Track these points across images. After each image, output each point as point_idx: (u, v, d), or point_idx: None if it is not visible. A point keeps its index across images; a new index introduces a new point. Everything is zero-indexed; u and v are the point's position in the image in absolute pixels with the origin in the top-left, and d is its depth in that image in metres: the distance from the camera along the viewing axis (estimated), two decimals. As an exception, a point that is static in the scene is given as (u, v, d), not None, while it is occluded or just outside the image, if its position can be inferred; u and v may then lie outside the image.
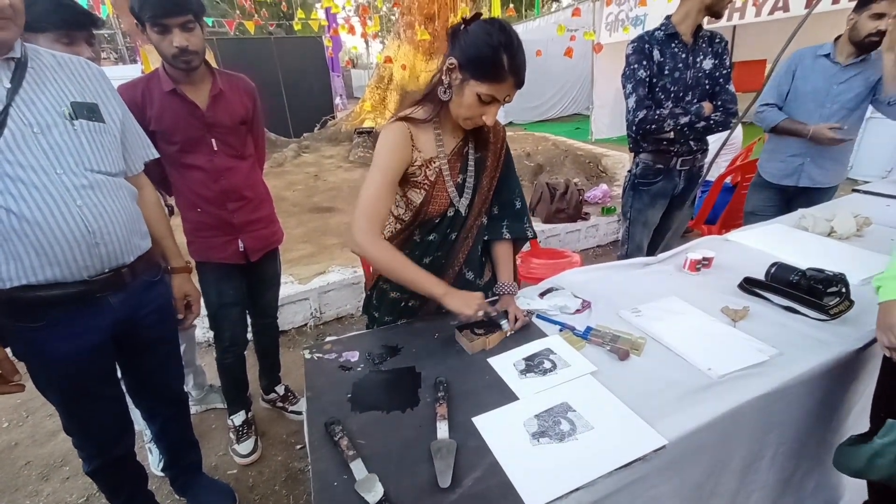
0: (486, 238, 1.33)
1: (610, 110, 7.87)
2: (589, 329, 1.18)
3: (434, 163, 1.17)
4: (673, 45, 1.91)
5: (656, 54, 1.90)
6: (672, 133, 1.94)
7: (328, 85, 9.52)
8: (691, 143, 2.02)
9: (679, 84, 1.92)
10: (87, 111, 1.07)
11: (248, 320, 1.91)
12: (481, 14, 1.05)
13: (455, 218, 1.24)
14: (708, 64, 1.93)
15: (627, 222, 2.23)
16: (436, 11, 7.84)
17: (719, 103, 1.94)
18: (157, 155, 1.33)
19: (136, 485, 1.45)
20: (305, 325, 2.87)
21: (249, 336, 1.94)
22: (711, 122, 1.92)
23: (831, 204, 2.12)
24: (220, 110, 1.51)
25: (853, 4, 2.01)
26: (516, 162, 1.39)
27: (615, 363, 1.07)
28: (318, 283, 2.86)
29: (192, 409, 2.04)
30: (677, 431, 0.85)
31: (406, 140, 1.12)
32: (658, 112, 1.91)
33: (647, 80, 1.92)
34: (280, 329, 2.21)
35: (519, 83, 1.05)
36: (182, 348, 1.69)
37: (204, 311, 1.69)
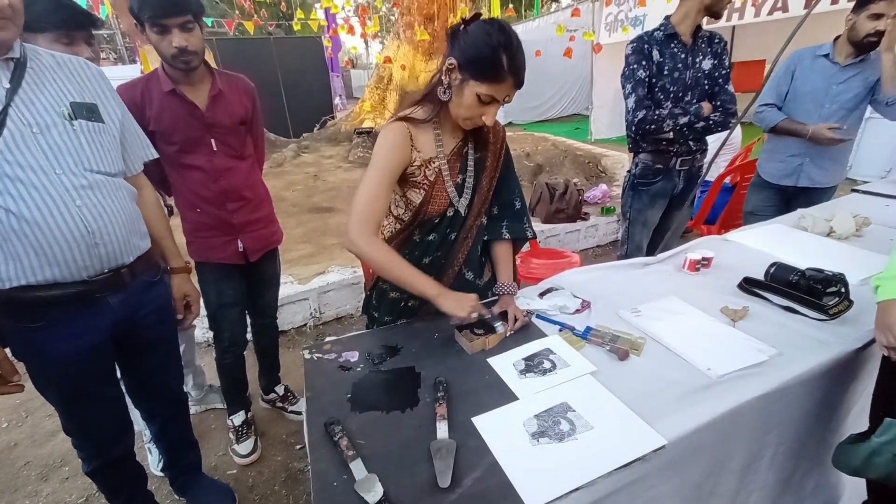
0: (485, 238, 1.33)
1: (609, 110, 7.87)
2: (588, 329, 1.19)
3: (433, 163, 1.17)
4: (672, 45, 1.91)
5: (655, 54, 1.90)
6: (671, 133, 1.94)
7: (327, 85, 9.53)
8: (690, 143, 2.02)
9: (678, 84, 1.92)
10: (86, 111, 1.07)
11: (248, 320, 1.91)
12: (481, 14, 1.05)
13: (454, 218, 1.24)
14: (707, 64, 1.94)
15: (627, 222, 2.24)
16: (435, 12, 7.85)
17: (718, 103, 1.94)
18: (156, 155, 1.33)
19: (135, 485, 1.45)
20: (305, 325, 2.86)
21: (249, 336, 1.94)
22: (711, 122, 1.92)
23: (830, 204, 2.12)
24: (219, 110, 1.51)
25: (852, 5, 2.01)
26: (516, 162, 1.39)
27: (615, 363, 1.07)
28: (317, 284, 2.86)
29: (192, 410, 2.04)
30: (677, 431, 0.85)
31: (405, 140, 1.12)
32: (657, 112, 1.91)
33: (647, 80, 1.92)
34: (280, 329, 2.21)
35: (518, 83, 1.05)
36: (181, 348, 1.69)
37: (203, 312, 1.69)
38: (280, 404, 2.10)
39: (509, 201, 1.33)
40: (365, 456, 0.83)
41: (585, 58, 7.92)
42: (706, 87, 1.96)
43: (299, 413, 2.02)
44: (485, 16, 1.05)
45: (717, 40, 1.96)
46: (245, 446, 1.87)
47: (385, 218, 1.32)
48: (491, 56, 0.99)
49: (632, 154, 2.17)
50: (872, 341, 1.08)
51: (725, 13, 4.45)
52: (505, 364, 1.07)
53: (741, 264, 1.49)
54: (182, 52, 1.35)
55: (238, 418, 1.91)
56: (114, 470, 1.34)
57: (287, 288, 2.76)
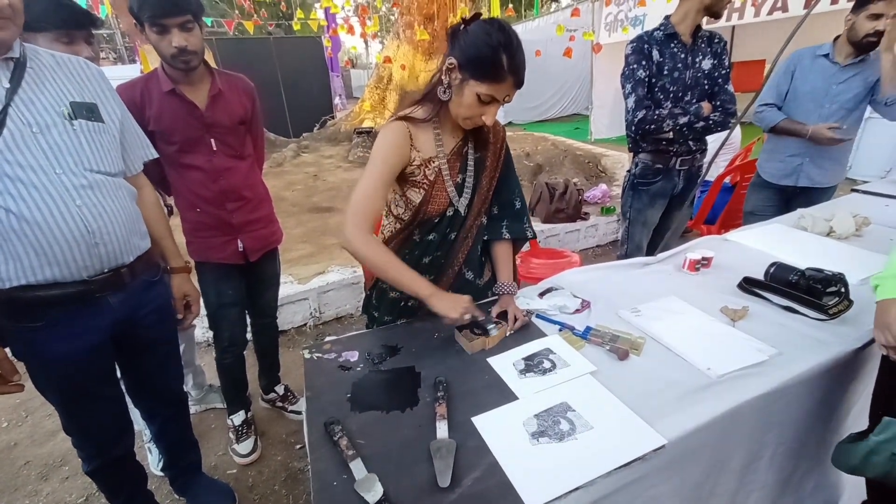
0: (485, 238, 1.33)
1: (609, 110, 7.87)
2: (588, 329, 1.19)
3: (433, 162, 1.17)
4: (672, 45, 1.91)
5: (655, 54, 1.90)
6: (671, 133, 1.94)
7: (327, 85, 9.52)
8: (690, 143, 2.02)
9: (678, 84, 1.92)
10: (86, 111, 1.07)
11: (248, 320, 1.91)
12: (481, 14, 1.05)
13: (454, 218, 1.24)
14: (707, 64, 1.94)
15: (627, 222, 2.24)
16: (435, 11, 7.85)
17: (718, 103, 1.94)
18: (156, 155, 1.33)
19: (135, 485, 1.45)
20: (305, 324, 2.86)
21: (249, 336, 1.94)
22: (710, 122, 1.93)
23: (830, 204, 2.12)
24: (219, 110, 1.51)
25: (851, 5, 2.01)
26: (516, 162, 1.39)
27: (615, 363, 1.07)
28: (317, 283, 2.86)
29: (192, 409, 2.04)
30: (677, 431, 0.85)
31: (405, 139, 1.12)
32: (657, 112, 1.91)
33: (647, 80, 1.92)
34: (279, 329, 2.22)
35: (518, 83, 1.05)
36: (181, 348, 1.69)
37: (203, 311, 1.69)
38: (280, 404, 2.10)
39: (509, 201, 1.33)
40: (365, 456, 0.83)
41: (585, 58, 7.92)
42: (706, 86, 1.96)
43: (299, 413, 2.02)
44: (485, 15, 1.05)
45: (716, 40, 1.96)
46: (245, 446, 1.87)
47: (385, 217, 1.32)
48: (491, 56, 0.99)
49: (631, 154, 2.17)
50: (872, 341, 1.08)
51: (725, 13, 4.44)
52: (505, 364, 1.07)
53: (741, 264, 1.49)
54: (182, 52, 1.35)
55: (238, 418, 1.91)
56: (114, 470, 1.34)
57: (287, 288, 2.76)
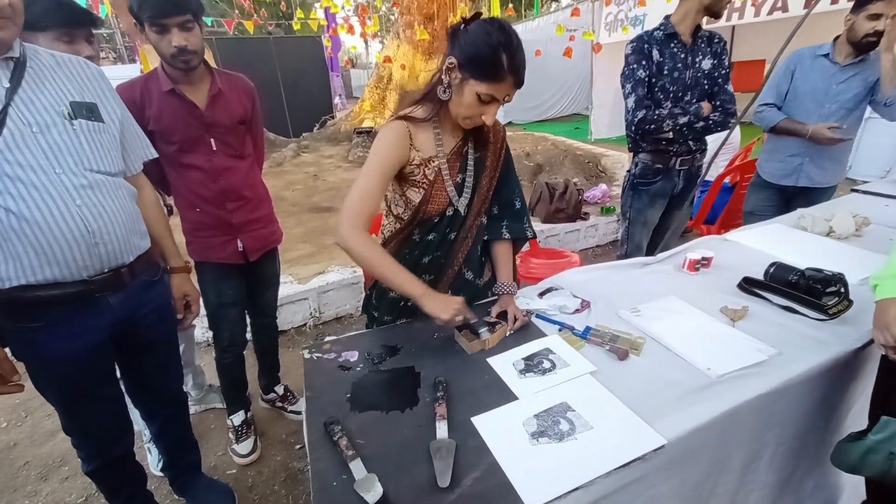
0: (485, 238, 1.33)
1: (609, 110, 7.87)
2: (588, 329, 1.19)
3: (433, 162, 1.17)
4: (672, 45, 1.91)
5: (655, 54, 1.90)
6: (671, 133, 1.94)
7: (327, 85, 9.52)
8: (690, 142, 2.02)
9: (678, 84, 1.92)
10: (86, 111, 1.07)
11: (248, 320, 1.91)
12: (481, 14, 1.05)
13: (454, 217, 1.24)
14: (707, 64, 1.94)
15: (627, 222, 2.24)
16: (435, 11, 7.86)
17: (718, 103, 1.94)
18: (155, 155, 1.33)
19: (135, 485, 1.45)
20: (305, 324, 2.86)
21: (249, 336, 1.94)
22: (710, 122, 1.93)
23: (830, 204, 2.12)
24: (218, 110, 1.51)
25: (851, 5, 2.01)
26: (516, 162, 1.39)
27: (614, 363, 1.07)
28: (317, 283, 2.86)
29: (192, 409, 2.04)
30: (676, 431, 0.85)
31: (404, 138, 1.12)
32: (657, 112, 1.91)
33: (646, 79, 1.92)
34: (279, 329, 2.21)
35: (518, 83, 1.04)
36: (181, 348, 1.69)
37: (203, 311, 1.69)
38: (280, 404, 2.10)
39: (509, 201, 1.33)
40: (364, 456, 0.82)
41: (585, 57, 7.92)
42: (706, 86, 1.96)
43: (299, 413, 2.02)
44: (485, 15, 1.05)
45: (716, 40, 1.96)
46: (245, 446, 1.87)
47: (385, 217, 1.32)
48: (491, 55, 0.99)
49: (631, 154, 2.17)
50: (872, 341, 1.08)
51: (725, 13, 4.44)
52: (504, 364, 1.07)
53: (741, 264, 1.49)
54: (181, 52, 1.35)
55: (238, 418, 1.91)
56: (113, 470, 1.34)
57: (287, 288, 2.76)
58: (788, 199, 2.32)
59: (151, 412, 1.47)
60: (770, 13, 4.68)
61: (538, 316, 1.27)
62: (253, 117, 1.65)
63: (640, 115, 1.91)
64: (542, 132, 7.97)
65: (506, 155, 1.30)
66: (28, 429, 2.08)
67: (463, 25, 1.04)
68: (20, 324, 1.05)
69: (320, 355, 1.15)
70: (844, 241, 1.67)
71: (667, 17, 1.95)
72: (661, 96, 1.94)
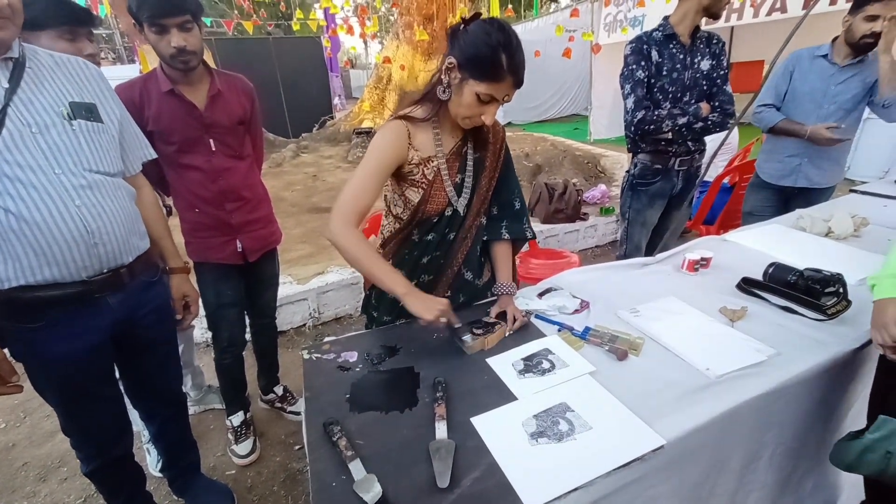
0: (485, 238, 1.33)
1: (608, 111, 7.88)
2: (587, 329, 1.19)
3: (432, 162, 1.17)
4: (671, 45, 1.91)
5: (654, 55, 1.90)
6: (670, 134, 1.95)
7: (327, 85, 9.52)
8: (689, 143, 2.02)
9: (677, 85, 1.93)
10: (85, 111, 1.07)
11: (247, 321, 1.91)
12: (480, 14, 1.05)
13: (453, 218, 1.24)
14: (706, 65, 1.94)
15: (626, 222, 2.24)
16: (434, 12, 7.87)
17: (717, 104, 1.95)
18: (155, 155, 1.33)
19: (134, 485, 1.45)
20: (304, 325, 2.86)
21: (248, 336, 1.94)
22: (709, 122, 1.93)
23: (829, 204, 2.12)
24: (218, 110, 1.51)
25: (850, 5, 2.01)
26: (515, 162, 1.39)
27: (614, 363, 1.07)
28: (316, 284, 2.86)
29: (191, 410, 2.04)
30: (675, 431, 0.85)
31: (402, 138, 1.12)
32: (656, 113, 1.91)
33: (646, 80, 1.92)
34: (279, 329, 2.21)
35: (518, 83, 1.05)
36: (180, 349, 1.69)
37: (202, 312, 1.69)
38: (279, 405, 2.10)
39: (509, 201, 1.33)
40: (364, 456, 0.82)
41: (584, 58, 7.94)
42: (704, 87, 1.96)
43: (298, 413, 2.02)
44: (484, 15, 1.05)
45: (715, 41, 1.97)
46: (244, 447, 1.87)
47: (384, 217, 1.32)
48: (490, 55, 0.99)
49: (630, 154, 2.17)
50: (870, 341, 1.09)
51: (724, 14, 4.45)
52: (504, 364, 1.07)
53: (740, 264, 1.49)
54: (181, 52, 1.35)
55: (237, 419, 1.90)
56: (113, 470, 1.34)
57: (286, 288, 2.76)
58: (787, 199, 2.32)
59: (151, 413, 1.47)
60: (769, 14, 4.69)
61: (537, 316, 1.27)
62: (252, 118, 1.65)
63: (640, 115, 1.92)
64: (542, 133, 7.98)
65: (505, 155, 1.30)
66: (27, 429, 2.07)
67: (462, 26, 1.04)
68: (19, 324, 1.05)
69: (319, 356, 1.14)
70: (843, 242, 1.67)
71: (666, 18, 1.95)
72: (660, 97, 1.94)
